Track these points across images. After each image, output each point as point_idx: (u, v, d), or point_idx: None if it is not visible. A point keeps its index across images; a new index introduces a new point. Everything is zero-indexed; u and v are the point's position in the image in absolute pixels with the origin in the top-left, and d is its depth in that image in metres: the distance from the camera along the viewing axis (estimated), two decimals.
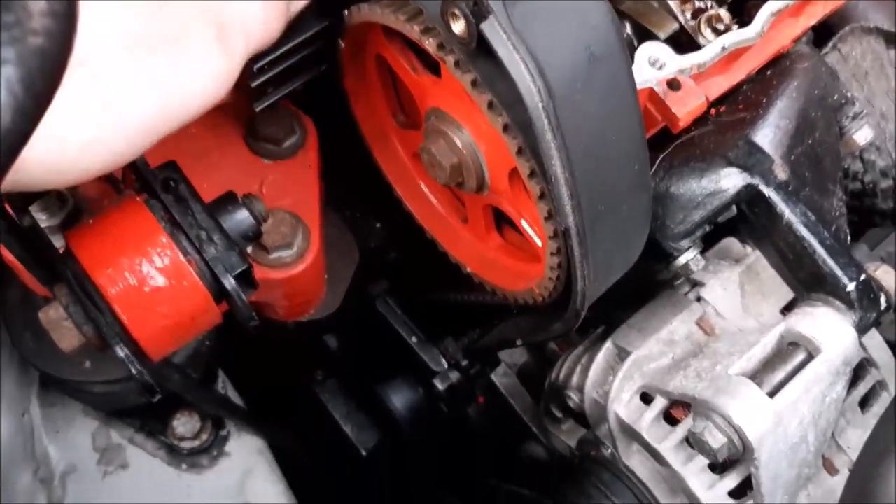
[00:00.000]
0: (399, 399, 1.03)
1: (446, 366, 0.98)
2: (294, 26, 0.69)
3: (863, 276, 0.74)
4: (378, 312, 1.00)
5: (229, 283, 0.61)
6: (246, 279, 0.63)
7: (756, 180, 0.75)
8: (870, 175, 0.93)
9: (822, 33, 0.92)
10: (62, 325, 0.60)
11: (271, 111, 0.79)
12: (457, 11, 0.56)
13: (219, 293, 0.62)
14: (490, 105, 0.61)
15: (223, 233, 0.62)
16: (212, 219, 0.62)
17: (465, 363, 0.96)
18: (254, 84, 0.73)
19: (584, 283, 0.64)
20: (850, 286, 0.74)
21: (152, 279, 0.59)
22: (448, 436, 1.05)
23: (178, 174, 0.63)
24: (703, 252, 0.81)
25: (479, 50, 0.57)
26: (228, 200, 0.65)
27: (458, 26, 0.57)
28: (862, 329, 0.75)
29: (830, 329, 0.74)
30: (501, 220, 0.83)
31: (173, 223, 0.61)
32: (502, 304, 0.82)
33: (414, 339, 0.99)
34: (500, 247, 0.83)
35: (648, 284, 0.85)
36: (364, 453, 1.05)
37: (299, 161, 0.82)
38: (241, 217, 0.64)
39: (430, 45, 0.63)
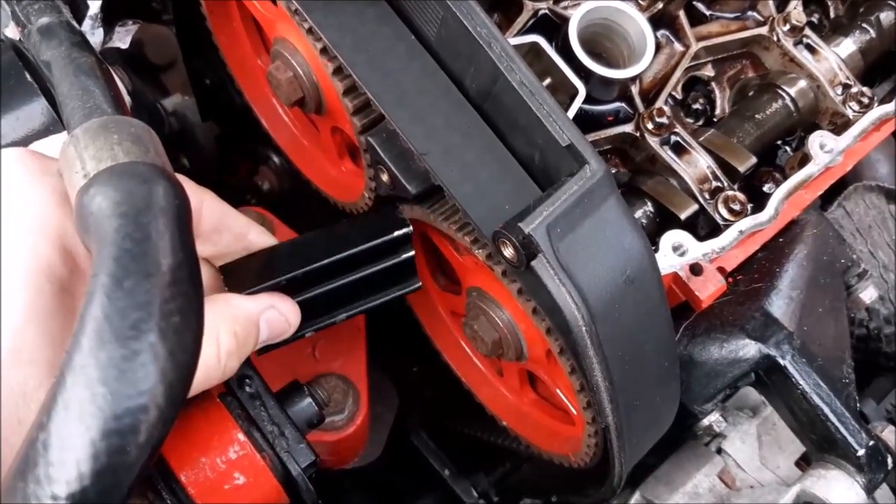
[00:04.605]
0: None
1: (477, 497, 1.04)
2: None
3: (871, 442, 0.80)
4: (412, 445, 1.06)
5: (299, 474, 0.67)
6: (312, 466, 0.69)
7: (773, 351, 0.81)
8: (874, 322, 0.99)
9: (829, 189, 0.99)
10: None
11: None
12: (507, 242, 0.63)
13: (287, 482, 0.68)
14: (534, 311, 0.68)
15: (293, 425, 0.68)
16: (282, 413, 0.68)
17: (496, 499, 1.02)
18: None
19: (622, 468, 0.70)
20: (860, 451, 0.80)
21: (231, 476, 0.65)
22: None
23: (252, 371, 0.69)
24: (723, 401, 0.88)
25: (527, 270, 0.64)
26: (295, 391, 0.71)
27: (508, 251, 0.64)
28: (870, 489, 0.81)
29: (842, 492, 0.80)
30: (536, 377, 0.89)
31: (249, 421, 0.67)
32: (538, 456, 0.88)
33: (447, 472, 1.05)
34: (535, 402, 0.89)
35: (671, 432, 0.91)
36: None
37: (349, 324, 0.88)
38: (306, 406, 0.71)
39: (479, 254, 0.70)
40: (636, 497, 0.87)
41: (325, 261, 0.69)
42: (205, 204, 0.64)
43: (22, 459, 0.41)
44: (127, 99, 0.88)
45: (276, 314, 0.66)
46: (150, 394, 0.43)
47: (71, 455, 0.40)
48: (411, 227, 0.73)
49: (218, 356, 0.60)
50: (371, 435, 0.95)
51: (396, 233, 0.71)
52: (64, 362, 0.42)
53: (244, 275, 0.67)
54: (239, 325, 0.62)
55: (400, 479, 1.08)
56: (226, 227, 0.66)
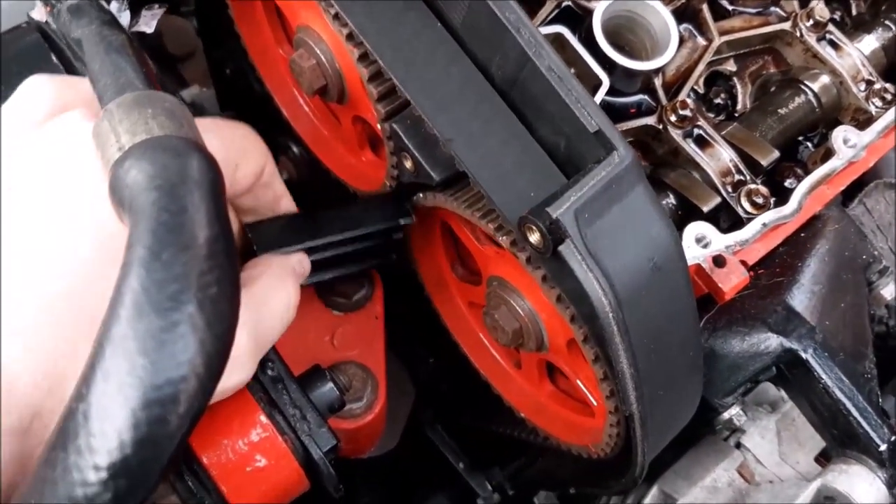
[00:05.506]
0: None
1: (492, 490, 1.04)
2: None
3: (893, 437, 0.80)
4: (426, 438, 1.06)
5: (321, 458, 0.67)
6: (333, 451, 0.69)
7: (795, 345, 0.81)
8: (894, 319, 0.99)
9: (849, 187, 0.99)
10: (170, 503, 0.65)
11: None
12: (533, 227, 0.63)
13: (309, 466, 0.68)
14: (559, 298, 0.68)
15: (315, 409, 0.68)
16: (304, 396, 0.68)
17: (511, 492, 1.01)
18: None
19: (644, 458, 0.70)
20: (883, 447, 0.79)
21: (253, 459, 0.65)
22: None
23: (275, 354, 0.69)
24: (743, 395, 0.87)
25: (553, 256, 0.63)
26: (317, 375, 0.71)
27: (535, 237, 0.63)
28: (892, 485, 0.80)
29: (864, 487, 0.79)
30: (554, 369, 0.89)
31: (271, 404, 0.67)
32: (556, 448, 0.88)
33: (461, 465, 1.05)
34: (553, 394, 0.88)
35: (690, 426, 0.91)
36: None
37: (367, 313, 0.88)
38: (328, 391, 0.71)
39: (503, 241, 0.69)
40: (654, 491, 0.87)
41: (341, 236, 0.78)
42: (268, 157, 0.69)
43: (62, 430, 0.41)
44: None
45: (302, 269, 0.74)
46: (190, 364, 0.42)
47: (111, 425, 0.40)
48: (413, 218, 0.80)
49: (289, 305, 0.67)
50: (387, 425, 0.95)
51: (402, 221, 0.80)
52: (101, 333, 0.42)
53: (271, 233, 0.73)
54: (297, 278, 0.71)
55: (415, 470, 1.07)
56: (271, 186, 0.71)
